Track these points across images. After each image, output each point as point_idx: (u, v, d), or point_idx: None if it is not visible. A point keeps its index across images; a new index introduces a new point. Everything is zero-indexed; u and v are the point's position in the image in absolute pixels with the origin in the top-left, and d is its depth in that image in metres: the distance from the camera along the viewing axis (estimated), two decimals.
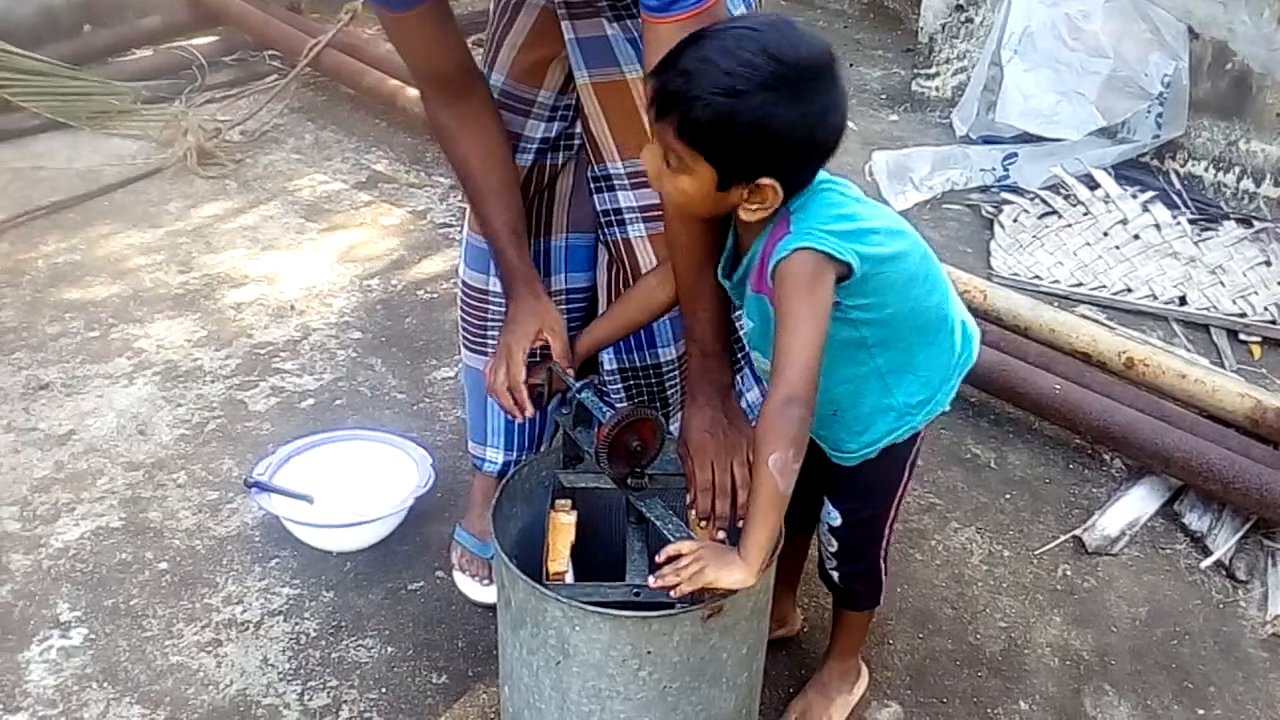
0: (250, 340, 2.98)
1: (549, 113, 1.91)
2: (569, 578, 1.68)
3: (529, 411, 1.76)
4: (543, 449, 2.18)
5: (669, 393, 2.06)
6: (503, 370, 1.75)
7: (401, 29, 1.72)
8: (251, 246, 3.46)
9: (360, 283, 3.28)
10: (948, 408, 1.69)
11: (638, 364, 2.02)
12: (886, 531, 1.81)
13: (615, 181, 1.88)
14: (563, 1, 1.77)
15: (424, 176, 3.96)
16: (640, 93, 1.79)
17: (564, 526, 1.73)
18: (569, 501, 1.76)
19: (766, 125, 1.36)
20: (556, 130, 1.93)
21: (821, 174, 1.50)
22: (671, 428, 1.98)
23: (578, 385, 1.71)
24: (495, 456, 2.20)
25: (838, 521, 1.79)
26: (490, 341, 2.08)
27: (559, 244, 2.04)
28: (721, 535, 1.60)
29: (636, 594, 1.55)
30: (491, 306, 2.05)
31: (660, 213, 1.85)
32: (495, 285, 2.02)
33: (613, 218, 1.92)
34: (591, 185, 1.93)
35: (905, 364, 1.61)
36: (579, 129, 1.92)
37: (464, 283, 2.08)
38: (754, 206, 1.45)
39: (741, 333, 2.02)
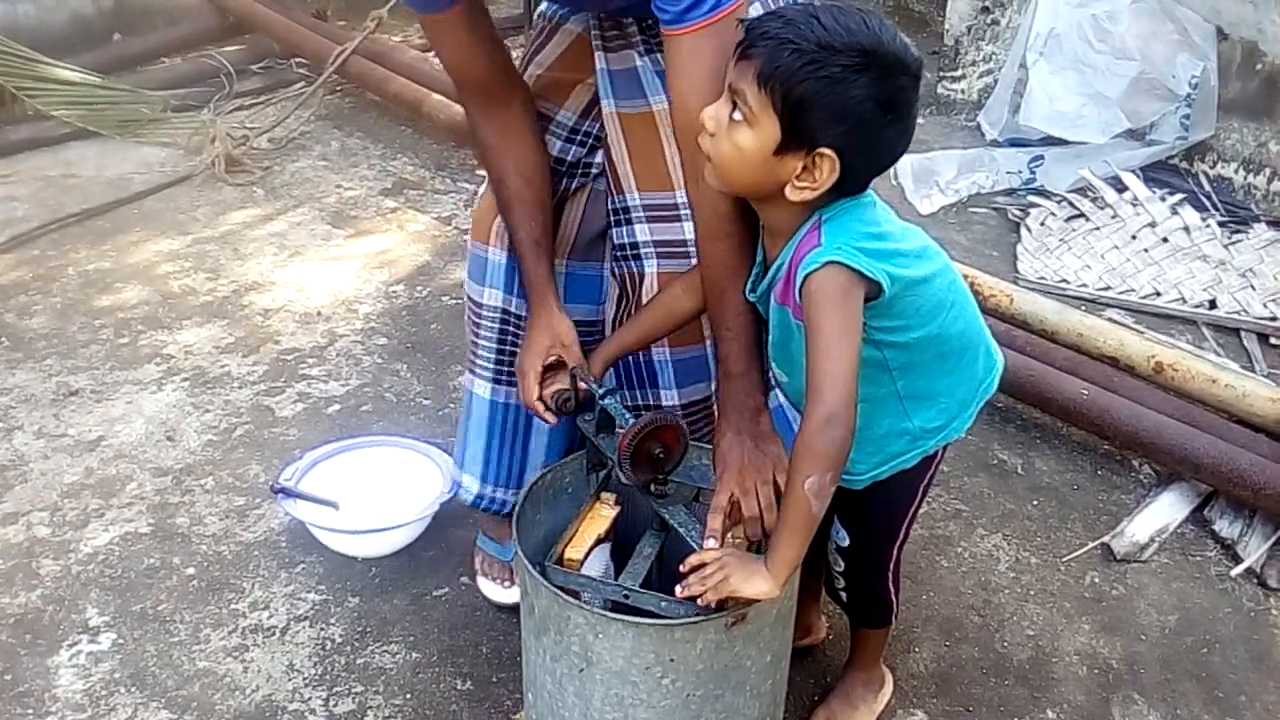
0: (277, 346, 3.00)
1: (567, 133, 1.91)
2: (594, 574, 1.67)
3: (553, 421, 1.78)
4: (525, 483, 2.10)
5: None
6: (521, 390, 1.78)
7: (436, 31, 1.74)
8: (279, 253, 3.48)
9: (386, 289, 3.30)
10: (963, 435, 1.67)
11: (639, 402, 1.97)
12: (895, 553, 1.79)
13: (633, 214, 1.86)
14: (598, 34, 1.79)
15: (449, 182, 3.98)
16: (666, 123, 1.79)
17: (600, 519, 1.72)
18: (615, 496, 1.76)
19: (846, 91, 1.36)
20: (573, 155, 1.92)
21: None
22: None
23: (601, 391, 1.71)
24: (470, 485, 2.13)
25: (846, 542, 1.78)
26: (480, 359, 2.04)
27: (559, 271, 1.98)
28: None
29: (626, 596, 1.56)
30: (484, 321, 2.01)
31: (674, 249, 1.84)
32: (489, 299, 1.99)
33: (628, 252, 1.90)
34: (611, 218, 1.91)
35: (925, 389, 1.59)
36: (597, 159, 1.92)
37: (468, 295, 2.07)
38: (804, 184, 1.42)
39: None
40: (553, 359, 1.78)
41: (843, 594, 1.87)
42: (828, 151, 1.39)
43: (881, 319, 1.49)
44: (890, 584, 1.82)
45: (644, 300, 1.88)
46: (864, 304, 1.43)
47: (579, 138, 1.92)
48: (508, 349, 2.00)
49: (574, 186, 1.96)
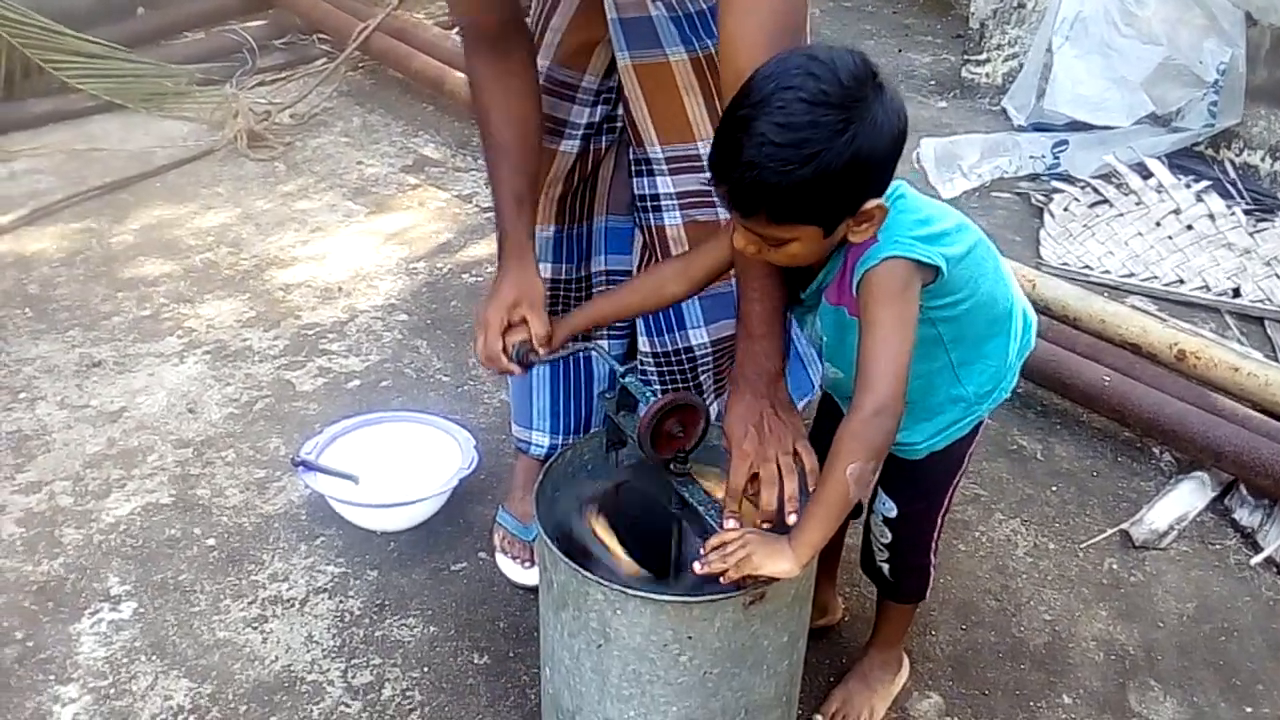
0: (298, 321, 3.01)
1: (593, 97, 1.90)
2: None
3: (518, 372, 1.73)
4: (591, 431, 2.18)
5: (702, 378, 2.05)
6: (481, 340, 1.72)
7: None
8: (300, 229, 3.49)
9: (406, 265, 3.30)
10: (1009, 394, 1.69)
11: (669, 347, 2.01)
12: (939, 522, 1.80)
13: (655, 166, 1.86)
14: None
15: (470, 160, 3.98)
16: (683, 75, 1.78)
17: (605, 529, 1.70)
18: (595, 506, 1.73)
19: (856, 159, 1.32)
20: (600, 114, 1.92)
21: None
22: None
23: (622, 370, 1.71)
24: (541, 440, 2.21)
25: (893, 513, 1.78)
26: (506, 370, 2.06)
27: (599, 226, 2.05)
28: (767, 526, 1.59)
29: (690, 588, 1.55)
30: None
31: (697, 200, 1.84)
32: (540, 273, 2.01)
33: (649, 203, 1.90)
34: (631, 168, 1.92)
35: (975, 355, 1.61)
36: (621, 111, 1.91)
37: None
38: (863, 227, 1.41)
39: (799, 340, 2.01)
40: (517, 318, 1.72)
41: (884, 566, 1.86)
42: (871, 203, 1.38)
43: (936, 298, 1.50)
44: (932, 554, 1.84)
45: (672, 254, 1.89)
46: (921, 288, 1.44)
47: (604, 96, 1.91)
48: (559, 311, 2.03)
49: (605, 145, 1.96)
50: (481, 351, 1.73)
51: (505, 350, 1.70)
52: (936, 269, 1.43)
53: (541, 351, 1.70)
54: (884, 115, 1.34)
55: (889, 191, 1.46)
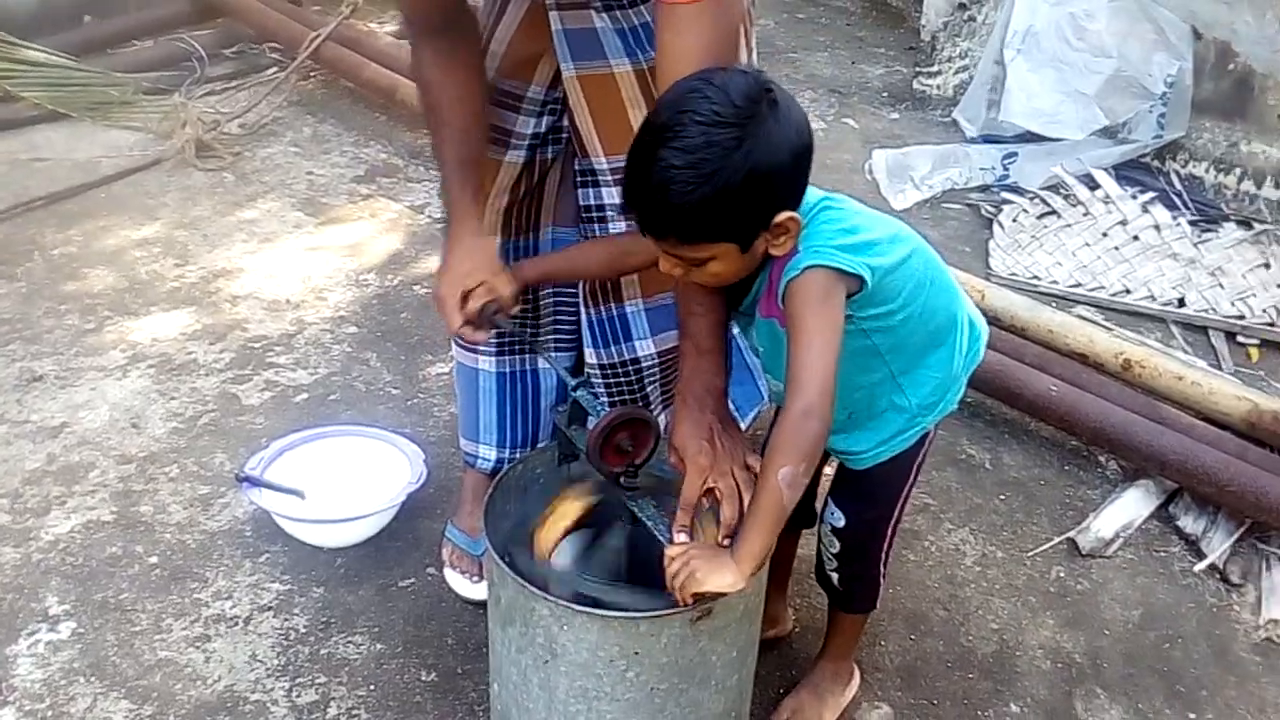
0: (245, 334, 2.97)
1: (539, 108, 1.90)
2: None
3: (482, 337, 1.78)
4: (538, 446, 2.17)
5: (649, 389, 2.05)
6: (445, 318, 1.74)
7: None
8: (248, 240, 3.45)
9: (356, 277, 3.27)
10: (956, 407, 1.69)
11: (615, 359, 2.00)
12: (890, 533, 1.80)
13: (599, 177, 1.86)
14: None
15: (422, 170, 3.95)
16: (627, 87, 1.78)
17: (571, 507, 1.71)
18: (589, 485, 1.73)
19: (754, 174, 1.35)
20: (546, 125, 1.92)
21: (818, 193, 1.49)
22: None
23: (574, 383, 1.71)
24: (488, 454, 2.19)
25: (841, 523, 1.78)
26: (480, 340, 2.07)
27: (546, 237, 2.04)
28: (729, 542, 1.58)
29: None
30: None
31: None
32: None
33: (594, 214, 1.90)
34: (576, 179, 1.91)
35: (916, 365, 1.62)
36: (567, 122, 1.90)
37: None
38: (781, 240, 1.44)
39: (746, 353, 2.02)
40: (473, 284, 1.74)
41: (834, 575, 1.87)
42: (783, 215, 1.41)
43: (867, 308, 1.51)
44: (882, 565, 1.84)
45: None
46: (848, 298, 1.45)
47: (549, 106, 1.90)
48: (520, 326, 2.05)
49: (552, 156, 1.95)
50: (449, 329, 1.75)
51: (472, 320, 1.72)
52: (861, 278, 1.44)
53: (512, 311, 1.74)
54: (779, 130, 1.37)
55: (812, 203, 1.48)
